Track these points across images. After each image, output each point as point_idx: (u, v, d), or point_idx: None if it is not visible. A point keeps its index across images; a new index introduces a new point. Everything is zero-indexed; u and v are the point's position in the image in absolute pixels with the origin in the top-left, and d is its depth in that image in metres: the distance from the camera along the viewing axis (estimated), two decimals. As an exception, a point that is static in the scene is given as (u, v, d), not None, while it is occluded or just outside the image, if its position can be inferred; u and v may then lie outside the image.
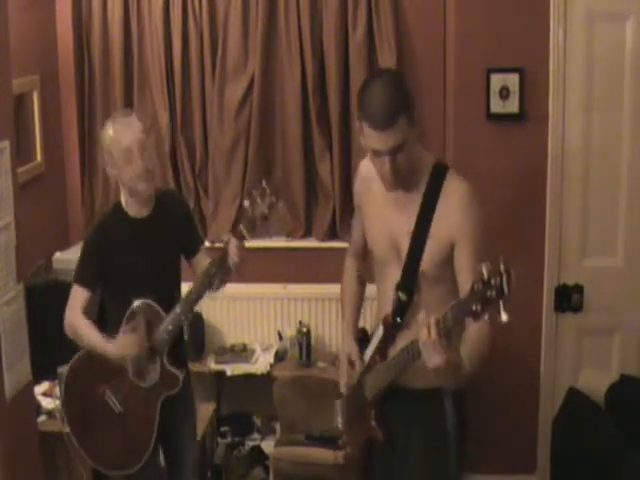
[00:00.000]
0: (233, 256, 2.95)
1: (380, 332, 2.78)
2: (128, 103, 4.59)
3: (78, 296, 3.10)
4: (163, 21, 4.47)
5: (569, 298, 4.02)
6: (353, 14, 4.37)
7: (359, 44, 4.38)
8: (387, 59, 4.36)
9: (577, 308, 4.03)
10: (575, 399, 3.99)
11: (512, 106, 3.90)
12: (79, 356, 3.19)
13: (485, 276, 2.22)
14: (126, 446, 3.14)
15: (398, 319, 2.71)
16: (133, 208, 3.10)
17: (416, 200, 2.64)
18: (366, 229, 2.86)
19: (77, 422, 3.20)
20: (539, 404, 4.14)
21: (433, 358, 2.35)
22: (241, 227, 2.96)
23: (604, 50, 3.84)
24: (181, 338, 3.27)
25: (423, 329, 2.36)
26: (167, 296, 3.11)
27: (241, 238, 2.96)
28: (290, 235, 4.65)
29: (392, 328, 2.73)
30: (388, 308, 2.74)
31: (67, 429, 3.20)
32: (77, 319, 3.09)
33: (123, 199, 3.11)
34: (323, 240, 4.62)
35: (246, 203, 2.96)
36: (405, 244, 2.67)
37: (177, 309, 3.06)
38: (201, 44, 4.50)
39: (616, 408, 3.90)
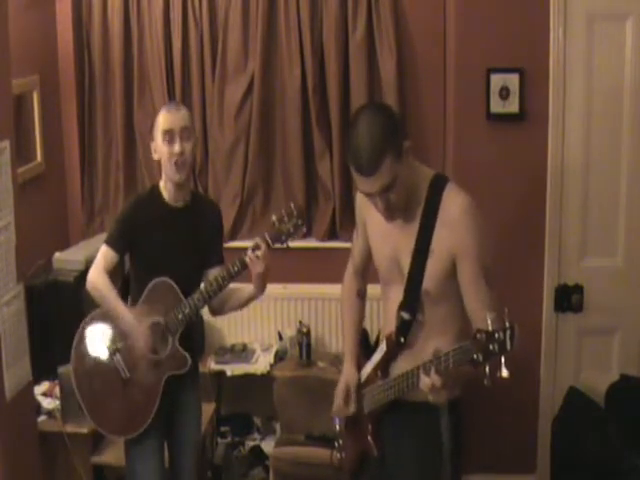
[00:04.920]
0: (253, 265, 3.10)
1: (383, 348, 2.76)
2: (128, 103, 4.60)
3: (105, 255, 3.19)
4: (163, 21, 4.47)
5: (569, 298, 4.02)
6: (353, 14, 4.37)
7: (359, 44, 4.38)
8: (387, 59, 4.36)
9: (577, 308, 4.03)
10: (575, 399, 3.99)
11: (512, 106, 3.90)
12: (97, 312, 3.25)
13: (490, 327, 2.24)
14: (126, 413, 3.20)
15: (402, 339, 2.70)
16: (169, 195, 3.21)
17: (416, 217, 2.62)
18: (371, 246, 2.83)
19: (83, 380, 3.24)
20: (539, 404, 4.14)
21: (434, 395, 2.44)
22: (267, 236, 3.13)
23: (604, 50, 3.84)
24: (194, 329, 3.37)
25: (424, 377, 2.43)
26: (186, 284, 3.20)
27: (267, 245, 3.12)
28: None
29: (395, 347, 2.73)
30: (392, 326, 2.73)
31: (74, 385, 3.25)
32: (100, 276, 3.17)
33: (162, 184, 3.23)
34: (323, 240, 4.62)
35: (274, 218, 3.15)
36: (407, 262, 2.65)
37: (195, 295, 3.17)
38: (201, 44, 4.50)
39: (616, 408, 3.90)
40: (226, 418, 4.67)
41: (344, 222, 4.54)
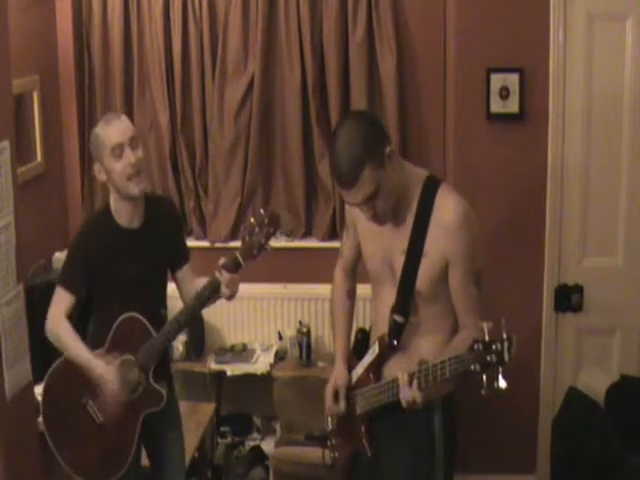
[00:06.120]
0: (225, 290, 2.93)
1: (375, 350, 2.76)
2: (128, 103, 4.60)
3: (62, 299, 3.02)
4: (163, 21, 4.47)
5: (569, 298, 4.02)
6: (353, 14, 4.36)
7: (359, 44, 4.38)
8: (387, 59, 4.36)
9: (577, 308, 4.03)
10: (575, 399, 3.99)
11: (512, 106, 3.91)
12: (61, 361, 3.09)
13: (486, 338, 2.24)
14: (104, 457, 3.06)
15: (394, 341, 2.70)
16: (124, 217, 3.00)
17: (409, 218, 2.61)
18: (361, 246, 2.83)
19: (56, 428, 3.11)
20: (539, 404, 4.15)
21: (410, 407, 2.51)
22: (237, 254, 2.92)
23: (604, 50, 3.84)
24: (166, 353, 3.21)
25: (404, 388, 2.48)
26: (153, 309, 3.05)
27: (237, 266, 2.92)
28: (290, 235, 4.65)
29: (388, 349, 2.73)
30: (384, 327, 2.73)
31: (44, 433, 3.11)
32: (61, 326, 3.00)
33: (113, 206, 3.01)
34: (323, 240, 4.62)
35: (243, 231, 2.92)
36: (399, 263, 2.64)
37: (166, 328, 2.99)
38: (201, 44, 4.50)
39: (616, 408, 3.90)
40: (226, 418, 4.67)
41: (344, 222, 4.53)
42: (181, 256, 3.19)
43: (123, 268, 3.00)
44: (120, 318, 2.99)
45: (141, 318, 2.99)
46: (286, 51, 4.45)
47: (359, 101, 4.41)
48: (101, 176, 2.99)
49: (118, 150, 2.90)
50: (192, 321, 3.03)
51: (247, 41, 4.48)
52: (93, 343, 3.04)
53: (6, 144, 3.16)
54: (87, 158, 4.73)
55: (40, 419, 3.21)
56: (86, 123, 4.68)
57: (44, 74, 4.44)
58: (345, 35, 4.41)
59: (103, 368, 2.97)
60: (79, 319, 3.10)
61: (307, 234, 4.68)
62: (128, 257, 3.01)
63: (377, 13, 4.34)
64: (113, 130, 2.93)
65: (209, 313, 4.56)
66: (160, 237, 3.07)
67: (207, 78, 4.55)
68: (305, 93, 4.49)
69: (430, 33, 4.36)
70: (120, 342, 3.01)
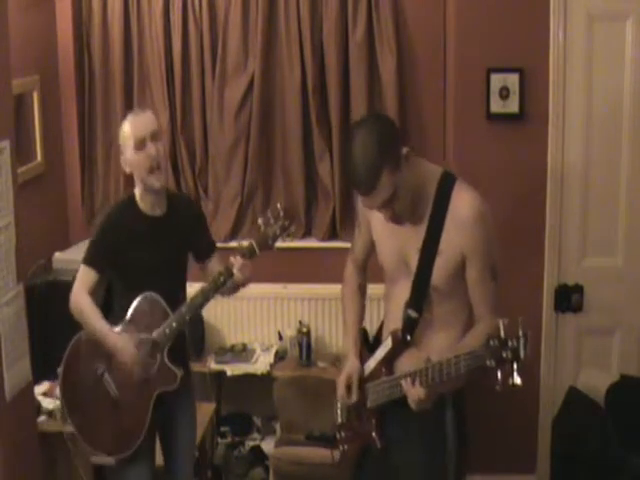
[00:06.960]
0: (239, 274, 3.06)
1: (388, 344, 2.77)
2: (128, 103, 4.60)
3: (85, 277, 3.12)
4: (163, 21, 4.48)
5: (569, 298, 4.02)
6: (353, 14, 4.37)
7: (359, 44, 4.38)
8: (387, 59, 4.37)
9: (577, 308, 4.03)
10: (575, 399, 3.99)
11: (512, 106, 3.90)
12: (82, 334, 3.19)
13: (502, 334, 2.26)
14: (117, 432, 3.15)
15: (408, 337, 2.71)
16: (147, 205, 3.12)
17: (425, 215, 2.62)
18: (376, 244, 2.83)
19: (73, 401, 3.21)
20: (539, 404, 4.14)
21: (417, 405, 2.56)
22: (252, 242, 3.08)
23: (604, 50, 3.84)
24: (183, 338, 3.30)
25: (410, 389, 2.53)
26: (172, 294, 3.15)
27: (252, 253, 3.07)
28: (290, 235, 4.64)
29: (401, 344, 2.74)
30: (395, 323, 2.74)
31: (62, 407, 3.21)
32: (83, 300, 3.10)
33: (138, 196, 3.13)
34: (323, 240, 4.62)
35: (260, 221, 3.10)
36: (414, 260, 2.65)
37: (182, 309, 3.10)
38: (201, 44, 4.51)
39: (616, 408, 3.90)
40: (226, 418, 4.67)
41: (344, 222, 4.54)
42: (206, 246, 3.32)
43: (145, 252, 3.11)
44: (138, 298, 3.10)
45: (158, 298, 3.10)
46: (286, 51, 4.45)
47: (359, 101, 4.41)
48: (126, 167, 3.12)
49: (140, 143, 3.03)
50: (206, 303, 3.14)
51: (247, 41, 4.48)
52: (113, 323, 3.13)
53: (6, 144, 3.16)
54: (87, 158, 4.74)
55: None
56: (86, 123, 4.69)
57: (44, 74, 4.44)
58: (345, 35, 4.41)
59: (120, 342, 3.06)
60: (104, 300, 3.21)
61: (307, 234, 4.68)
62: (150, 242, 3.12)
63: (377, 13, 4.34)
64: (136, 124, 3.07)
65: (209, 313, 4.57)
66: (181, 226, 3.20)
67: (207, 78, 4.55)
68: (305, 93, 4.49)
69: (430, 33, 4.37)
70: (138, 321, 3.11)
